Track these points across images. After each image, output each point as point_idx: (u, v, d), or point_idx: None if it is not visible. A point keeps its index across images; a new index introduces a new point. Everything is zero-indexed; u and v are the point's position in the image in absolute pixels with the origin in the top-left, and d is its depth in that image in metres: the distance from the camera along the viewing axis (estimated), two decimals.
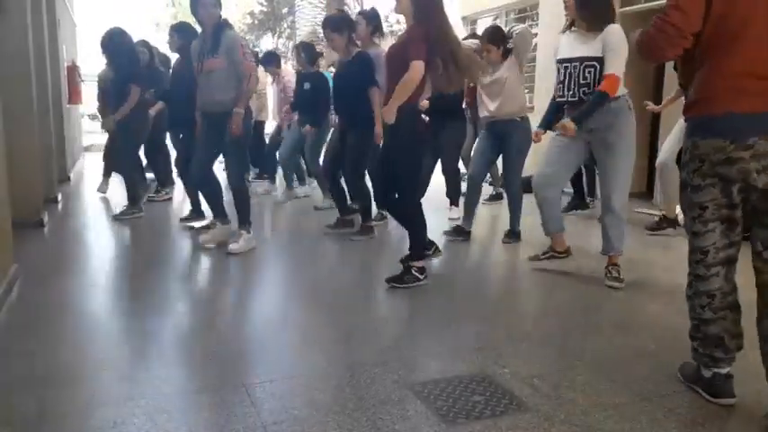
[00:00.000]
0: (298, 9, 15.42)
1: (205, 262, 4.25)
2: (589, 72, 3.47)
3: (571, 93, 3.56)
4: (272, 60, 7.55)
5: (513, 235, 4.80)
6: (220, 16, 4.16)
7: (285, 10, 21.50)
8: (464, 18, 9.97)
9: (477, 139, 4.97)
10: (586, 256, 4.23)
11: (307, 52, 6.13)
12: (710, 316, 2.14)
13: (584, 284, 3.72)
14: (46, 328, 2.88)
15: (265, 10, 22.20)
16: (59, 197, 6.34)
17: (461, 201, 5.37)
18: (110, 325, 3.00)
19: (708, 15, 2.00)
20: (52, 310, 3.15)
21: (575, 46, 3.55)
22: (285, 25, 21.90)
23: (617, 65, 3.40)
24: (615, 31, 3.42)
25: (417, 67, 3.29)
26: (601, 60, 3.43)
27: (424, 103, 4.69)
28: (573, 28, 3.61)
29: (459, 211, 5.74)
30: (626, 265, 3.95)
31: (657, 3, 6.38)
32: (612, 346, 2.73)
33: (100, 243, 4.90)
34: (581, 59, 3.49)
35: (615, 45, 3.40)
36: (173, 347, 2.74)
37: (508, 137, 4.61)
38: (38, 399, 2.18)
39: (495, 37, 4.55)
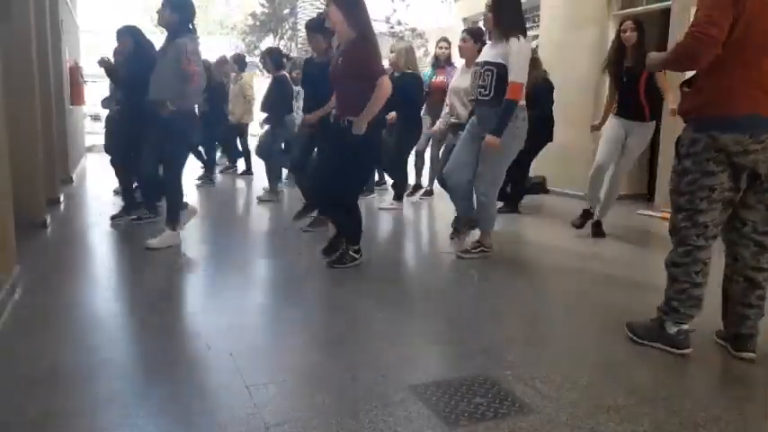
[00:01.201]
0: (299, 10, 15.42)
1: (206, 264, 4.26)
2: (487, 75, 3.90)
3: (472, 92, 4.09)
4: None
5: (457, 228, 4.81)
6: (176, 21, 4.28)
7: (287, 11, 21.49)
8: (465, 19, 9.99)
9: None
10: (585, 259, 4.23)
11: (273, 58, 6.52)
12: (701, 280, 2.54)
13: (584, 286, 3.72)
14: (49, 329, 2.88)
15: (267, 11, 22.20)
16: (62, 198, 6.35)
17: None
18: (113, 326, 3.00)
19: (733, 30, 2.33)
20: (55, 310, 3.15)
21: (484, 52, 4.05)
22: (287, 26, 21.91)
23: (518, 73, 3.82)
24: (515, 43, 3.84)
25: (388, 83, 3.54)
26: (499, 66, 3.85)
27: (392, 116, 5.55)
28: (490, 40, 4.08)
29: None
30: (628, 267, 3.96)
31: (658, 5, 6.39)
32: (614, 348, 2.73)
33: (102, 243, 4.91)
34: (483, 63, 3.95)
35: (516, 55, 3.82)
36: (176, 348, 2.75)
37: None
38: (41, 399, 2.19)
39: (475, 32, 5.05)
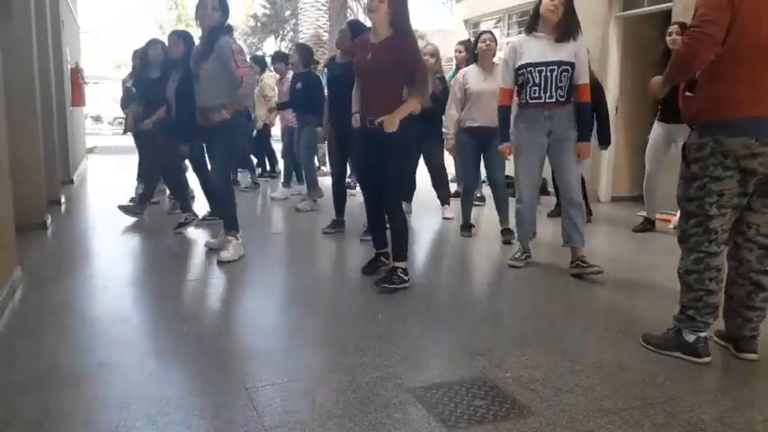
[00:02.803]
0: (300, 11, 15.42)
1: (207, 265, 4.26)
2: (564, 76, 3.72)
3: (548, 95, 3.75)
4: (279, 59, 7.67)
5: (509, 233, 4.81)
6: (220, 21, 4.05)
7: (288, 12, 21.52)
8: (466, 21, 9.99)
9: (463, 147, 4.93)
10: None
11: (304, 54, 6.32)
12: (715, 287, 2.50)
13: (584, 288, 3.71)
14: (48, 331, 2.88)
15: (268, 13, 22.25)
16: (62, 199, 6.36)
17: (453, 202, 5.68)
18: (112, 327, 3.00)
19: (731, 31, 2.31)
20: (55, 312, 3.15)
21: (547, 51, 3.74)
22: (288, 28, 21.94)
23: (586, 74, 3.80)
24: (583, 43, 3.80)
25: (430, 81, 3.39)
26: (573, 66, 3.72)
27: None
28: (536, 33, 3.77)
29: (452, 211, 5.78)
30: (628, 269, 3.94)
31: (658, 7, 6.38)
32: (614, 350, 2.72)
33: (103, 245, 4.91)
34: (559, 63, 3.71)
35: (585, 56, 3.80)
36: (175, 350, 2.74)
37: (490, 141, 4.62)
38: (40, 401, 2.19)
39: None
